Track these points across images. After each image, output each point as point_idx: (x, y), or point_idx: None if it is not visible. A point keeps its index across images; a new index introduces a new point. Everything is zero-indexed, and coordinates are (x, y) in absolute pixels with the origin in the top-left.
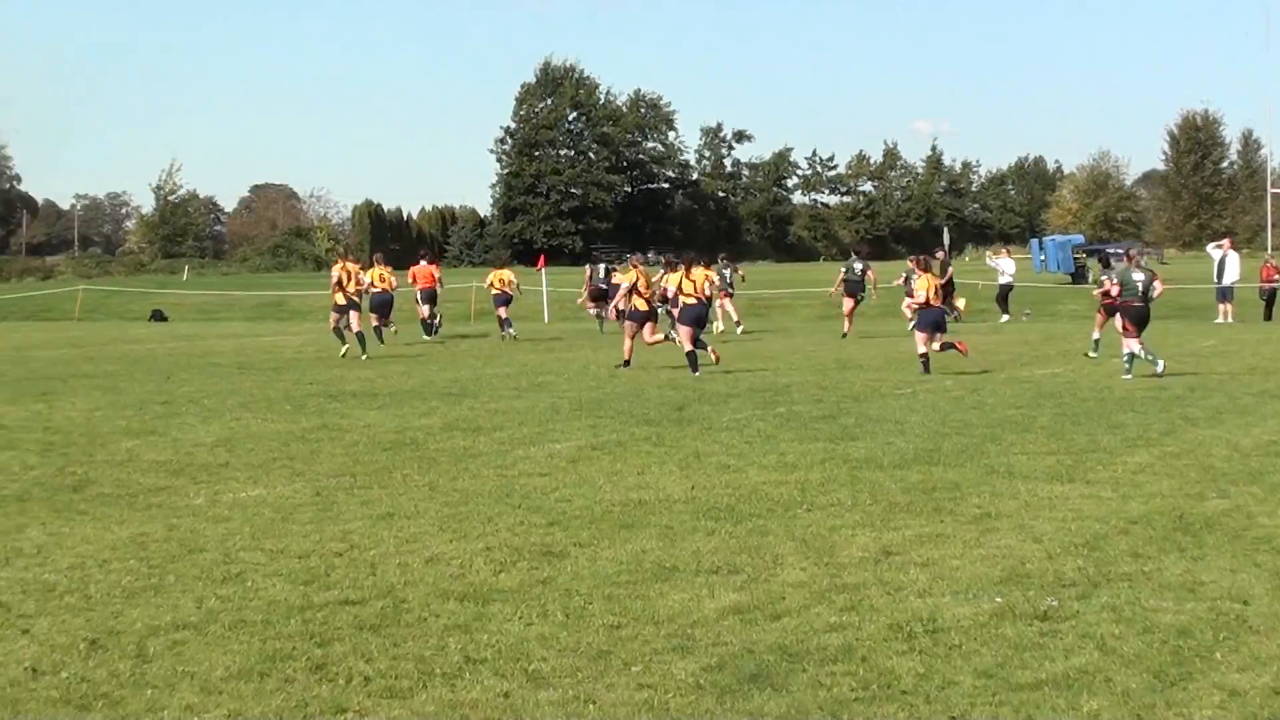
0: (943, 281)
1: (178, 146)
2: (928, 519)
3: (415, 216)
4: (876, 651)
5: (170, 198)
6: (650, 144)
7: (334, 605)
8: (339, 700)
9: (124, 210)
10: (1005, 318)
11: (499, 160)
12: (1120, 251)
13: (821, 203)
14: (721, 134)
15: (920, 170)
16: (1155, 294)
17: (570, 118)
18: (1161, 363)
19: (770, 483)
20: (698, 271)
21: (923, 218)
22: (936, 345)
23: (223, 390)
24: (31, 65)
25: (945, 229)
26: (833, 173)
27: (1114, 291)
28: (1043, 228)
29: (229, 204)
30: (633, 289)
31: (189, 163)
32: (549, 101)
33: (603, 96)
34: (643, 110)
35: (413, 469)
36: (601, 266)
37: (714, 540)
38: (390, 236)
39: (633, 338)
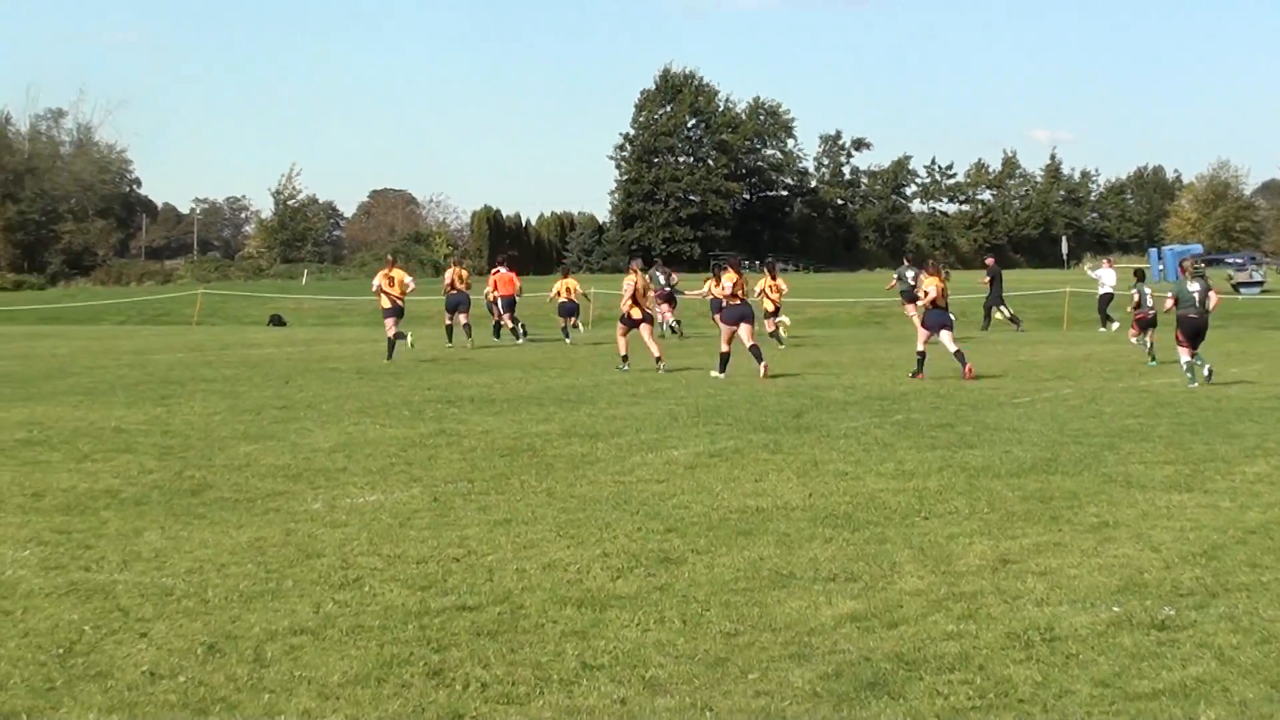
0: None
1: (297, 151)
2: (1045, 527)
3: (534, 222)
4: (993, 660)
5: (289, 202)
6: (769, 151)
7: (451, 611)
8: (456, 706)
9: (243, 215)
10: (1103, 329)
11: (618, 167)
12: (1240, 261)
13: (940, 211)
14: (840, 141)
15: (1039, 179)
16: (1211, 306)
17: (689, 124)
18: (1197, 383)
19: (888, 490)
20: (726, 277)
21: (1041, 226)
22: (952, 347)
23: (341, 395)
24: (150, 68)
25: (1064, 238)
26: (951, 181)
27: (1168, 305)
28: (1161, 237)
29: (348, 209)
30: (634, 295)
31: (309, 167)
32: (668, 108)
33: (722, 104)
34: (761, 117)
35: (530, 475)
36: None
37: (831, 548)
38: (509, 242)
39: (653, 338)
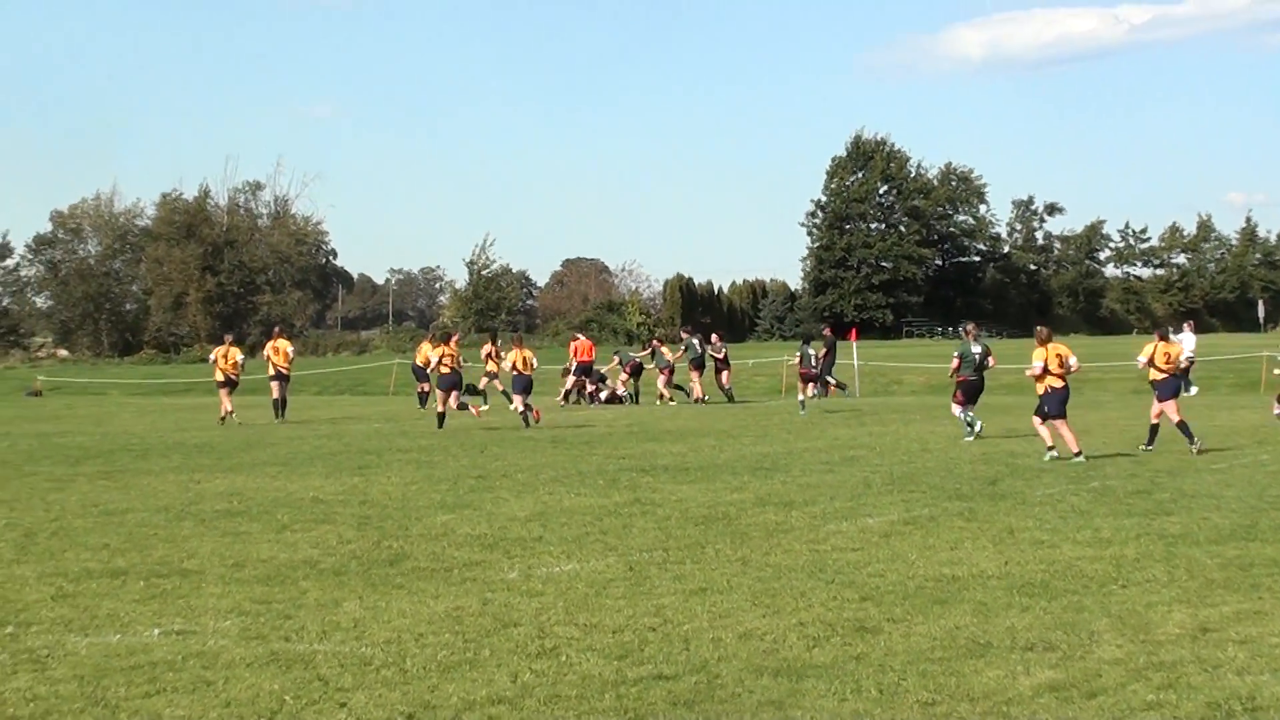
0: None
1: (491, 221)
2: (1245, 595)
3: (726, 290)
4: None
5: (483, 272)
6: (961, 217)
7: (648, 680)
8: None
9: (437, 285)
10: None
11: (809, 234)
12: None
13: (1134, 275)
14: (1033, 206)
15: (1234, 242)
16: (988, 366)
17: (881, 191)
18: (979, 425)
19: (1085, 558)
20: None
21: (1237, 290)
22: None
23: (536, 464)
24: (346, 141)
25: (1260, 301)
26: (1145, 245)
27: (954, 365)
28: None
29: (541, 278)
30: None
31: (502, 237)
32: (860, 175)
33: (913, 170)
34: (954, 183)
35: (725, 543)
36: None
37: (1028, 616)
38: (701, 310)
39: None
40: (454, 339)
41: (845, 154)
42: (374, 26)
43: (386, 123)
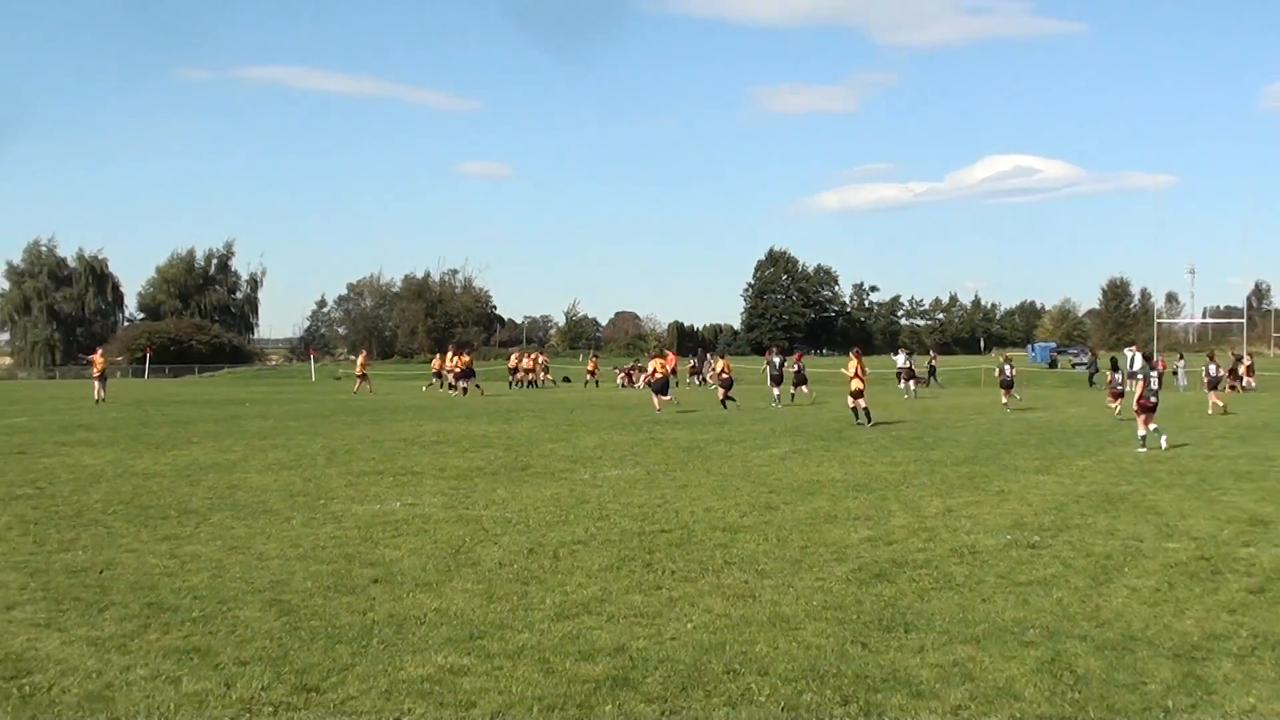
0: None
1: (578, 285)
2: (971, 492)
3: (701, 328)
4: (944, 562)
5: (573, 319)
6: (825, 292)
7: (656, 533)
8: (657, 582)
9: (549, 324)
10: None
11: (744, 300)
12: (1075, 351)
13: (916, 323)
14: (863, 286)
15: (968, 307)
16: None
17: (782, 279)
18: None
19: (887, 472)
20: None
21: (970, 333)
22: None
23: (599, 419)
24: (503, 248)
25: (981, 339)
26: (922, 308)
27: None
28: (1034, 338)
29: (604, 320)
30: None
31: (583, 294)
32: (771, 270)
33: (801, 267)
34: (822, 275)
35: (698, 462)
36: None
37: (856, 502)
38: (690, 340)
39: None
40: (460, 352)
41: (764, 258)
42: (523, 190)
43: (525, 237)
